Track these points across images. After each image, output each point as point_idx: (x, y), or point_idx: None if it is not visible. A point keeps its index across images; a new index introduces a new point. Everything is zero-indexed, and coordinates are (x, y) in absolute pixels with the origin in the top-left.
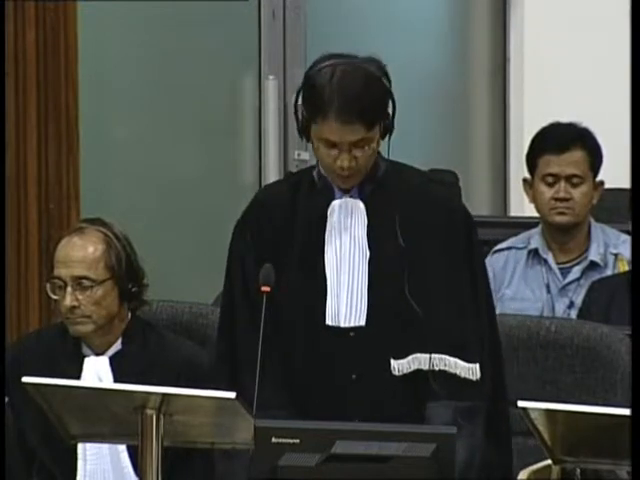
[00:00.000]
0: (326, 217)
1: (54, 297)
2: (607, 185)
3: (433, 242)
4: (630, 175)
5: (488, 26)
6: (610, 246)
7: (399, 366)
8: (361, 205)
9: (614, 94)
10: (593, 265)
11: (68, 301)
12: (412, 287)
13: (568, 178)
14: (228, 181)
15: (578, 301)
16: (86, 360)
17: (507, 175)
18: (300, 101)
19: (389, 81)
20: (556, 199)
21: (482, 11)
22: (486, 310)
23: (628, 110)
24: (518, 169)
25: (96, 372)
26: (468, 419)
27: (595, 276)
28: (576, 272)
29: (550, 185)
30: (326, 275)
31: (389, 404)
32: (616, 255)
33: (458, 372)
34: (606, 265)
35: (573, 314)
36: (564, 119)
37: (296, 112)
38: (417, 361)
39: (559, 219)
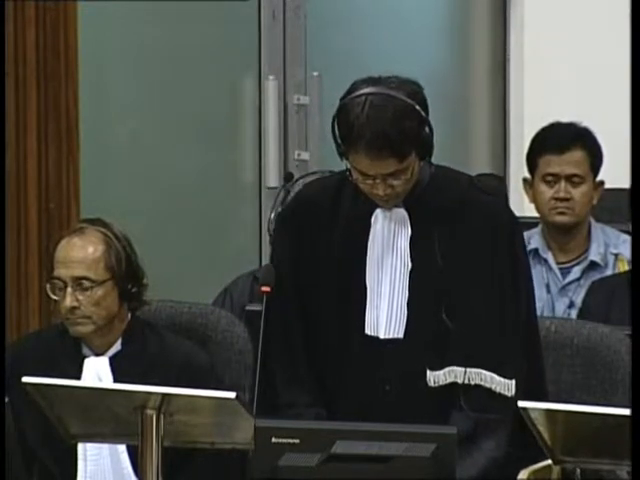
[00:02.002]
0: (369, 224)
1: (54, 297)
2: (607, 185)
3: (476, 253)
4: (630, 175)
5: (488, 26)
6: (610, 246)
7: (435, 377)
8: (405, 215)
9: (614, 94)
10: (593, 265)
11: (68, 302)
12: (452, 300)
13: (568, 178)
14: (228, 181)
15: (578, 301)
16: (86, 360)
17: (507, 175)
18: (336, 129)
19: (425, 106)
20: (556, 199)
21: (482, 11)
22: (527, 323)
23: (628, 110)
24: (518, 169)
25: (96, 372)
26: (490, 432)
27: (595, 276)
28: (576, 272)
29: (550, 185)
30: (366, 284)
31: (422, 417)
32: (616, 255)
33: (494, 387)
34: (606, 265)
35: (573, 314)
36: (564, 119)
37: (334, 138)
38: (453, 374)
39: (559, 219)
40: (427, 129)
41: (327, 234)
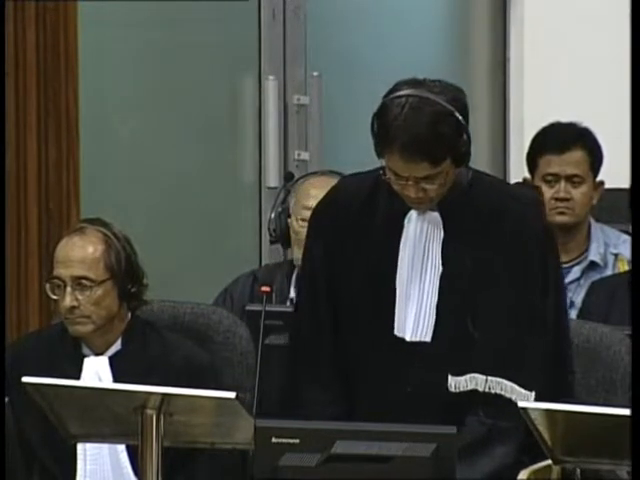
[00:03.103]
0: (402, 225)
1: (54, 297)
2: (607, 185)
3: (507, 262)
4: (630, 175)
5: (488, 25)
6: (610, 246)
7: (456, 383)
8: (438, 218)
9: (614, 94)
10: (593, 265)
11: (67, 301)
12: (480, 307)
13: (568, 178)
14: (228, 181)
15: (578, 301)
16: (86, 360)
17: (507, 175)
18: (375, 127)
19: (465, 112)
20: (556, 199)
21: (482, 10)
22: (555, 335)
23: (628, 110)
24: (518, 169)
25: (96, 372)
26: (503, 439)
27: (595, 276)
28: (576, 272)
29: (550, 185)
30: (396, 285)
31: (436, 421)
32: (616, 255)
33: (514, 397)
34: (606, 265)
35: (573, 314)
36: (564, 119)
37: (373, 135)
38: (474, 381)
39: (559, 219)
40: (465, 136)
41: (361, 232)
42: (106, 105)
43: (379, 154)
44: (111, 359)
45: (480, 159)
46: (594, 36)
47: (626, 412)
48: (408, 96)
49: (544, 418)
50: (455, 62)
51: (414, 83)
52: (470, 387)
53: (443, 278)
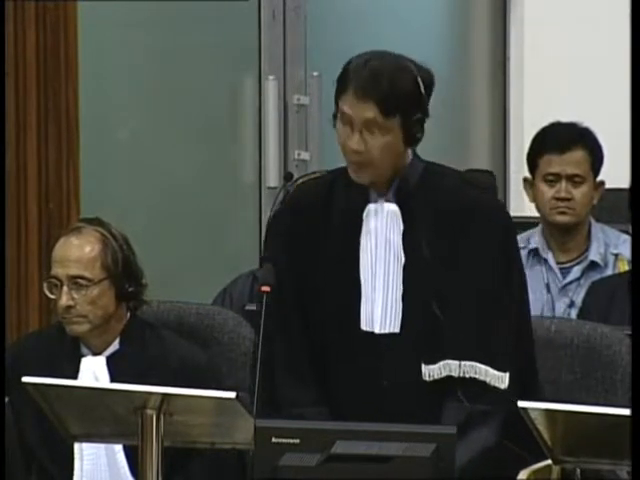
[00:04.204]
0: (361, 220)
1: (51, 296)
2: (607, 185)
3: (468, 248)
4: (630, 175)
5: (488, 26)
6: (610, 246)
7: (430, 371)
8: (397, 209)
9: (614, 94)
10: (593, 265)
11: (64, 300)
12: (445, 294)
13: (569, 178)
14: (228, 181)
15: (578, 301)
16: (83, 360)
17: (507, 175)
18: (339, 75)
19: (428, 89)
20: (557, 199)
21: (482, 11)
22: (520, 316)
23: (628, 110)
24: (518, 169)
25: (93, 372)
26: (482, 423)
27: (595, 276)
28: (576, 272)
29: (551, 185)
30: (360, 279)
31: (419, 411)
32: (616, 255)
33: (488, 380)
34: (606, 265)
35: (573, 314)
36: (564, 119)
37: (335, 84)
38: (448, 367)
39: (560, 219)
40: (420, 114)
41: (320, 231)
42: (106, 105)
43: (336, 100)
44: (109, 359)
45: (480, 159)
46: (594, 36)
47: (626, 412)
48: (375, 51)
49: (544, 418)
50: (455, 62)
51: (390, 53)
52: (444, 374)
53: (406, 268)
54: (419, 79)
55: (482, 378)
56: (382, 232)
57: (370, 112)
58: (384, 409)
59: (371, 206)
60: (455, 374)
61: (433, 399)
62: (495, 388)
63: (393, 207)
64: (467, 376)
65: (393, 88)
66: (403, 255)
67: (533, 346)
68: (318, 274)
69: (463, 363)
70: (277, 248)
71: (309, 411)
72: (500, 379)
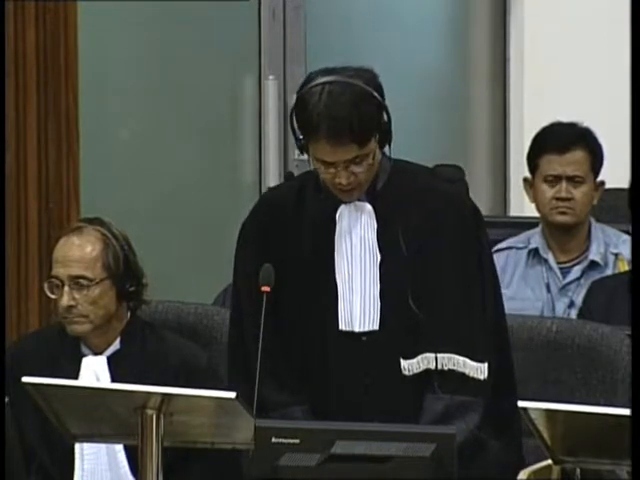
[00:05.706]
0: (334, 221)
1: (52, 296)
2: (607, 185)
3: (441, 242)
4: (630, 175)
5: (488, 26)
6: (610, 246)
7: (409, 366)
8: (369, 208)
9: (614, 94)
10: (593, 265)
11: (65, 300)
12: (421, 288)
13: (570, 178)
14: (228, 181)
15: (578, 301)
16: (84, 360)
17: (507, 175)
18: (295, 121)
19: (381, 92)
20: (557, 199)
21: (482, 11)
22: (494, 308)
23: (628, 110)
24: (518, 169)
25: (94, 371)
26: (461, 414)
27: (595, 276)
28: (576, 272)
29: (551, 185)
30: (336, 280)
31: (403, 408)
32: (616, 255)
33: (467, 371)
34: (606, 265)
35: (573, 314)
36: (564, 119)
37: (294, 132)
38: (426, 361)
39: (560, 219)
40: (385, 116)
41: (293, 235)
42: (106, 105)
43: (302, 148)
44: (109, 359)
45: (480, 159)
46: (594, 36)
47: (626, 412)
48: (324, 83)
49: (544, 418)
50: (455, 63)
51: (326, 71)
52: (423, 367)
53: (382, 265)
54: (374, 93)
55: (461, 370)
56: (356, 231)
57: (351, 152)
58: (367, 406)
59: (344, 207)
60: (432, 366)
61: (416, 394)
62: (474, 379)
63: (365, 205)
64: (445, 368)
65: (362, 120)
66: (378, 253)
67: (508, 339)
68: (294, 278)
69: (441, 355)
70: (249, 257)
71: (292, 412)
72: (479, 370)
